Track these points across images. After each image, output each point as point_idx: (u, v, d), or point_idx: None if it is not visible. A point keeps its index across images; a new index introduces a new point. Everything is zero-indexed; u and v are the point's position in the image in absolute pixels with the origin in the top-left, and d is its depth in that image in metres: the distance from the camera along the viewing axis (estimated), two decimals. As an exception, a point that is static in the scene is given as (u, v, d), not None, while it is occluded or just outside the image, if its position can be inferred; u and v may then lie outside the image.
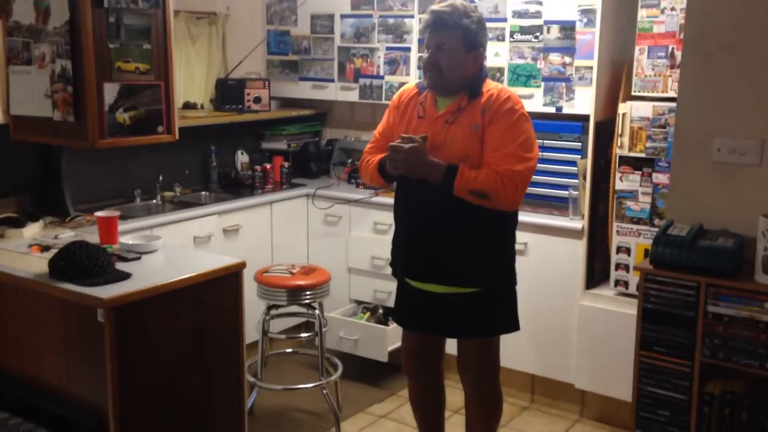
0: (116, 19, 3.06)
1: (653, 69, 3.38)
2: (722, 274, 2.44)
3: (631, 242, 3.50)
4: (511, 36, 3.82)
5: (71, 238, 3.03)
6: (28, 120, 3.28)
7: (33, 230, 3.22)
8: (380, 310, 4.25)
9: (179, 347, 2.66)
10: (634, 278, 3.45)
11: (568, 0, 3.65)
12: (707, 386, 2.52)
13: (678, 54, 3.25)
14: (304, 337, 4.03)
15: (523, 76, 3.82)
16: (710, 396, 2.50)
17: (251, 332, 3.55)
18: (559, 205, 3.80)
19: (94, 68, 3.03)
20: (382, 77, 4.39)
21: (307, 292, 3.58)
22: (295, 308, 3.72)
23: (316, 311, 3.65)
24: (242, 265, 2.86)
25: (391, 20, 4.32)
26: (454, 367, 3.02)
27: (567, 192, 3.73)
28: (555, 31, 3.71)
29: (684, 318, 2.50)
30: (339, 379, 3.80)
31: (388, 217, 4.10)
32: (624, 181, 3.48)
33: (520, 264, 2.93)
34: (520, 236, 3.21)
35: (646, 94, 3.42)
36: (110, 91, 3.09)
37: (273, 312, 3.67)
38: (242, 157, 4.61)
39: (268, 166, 4.56)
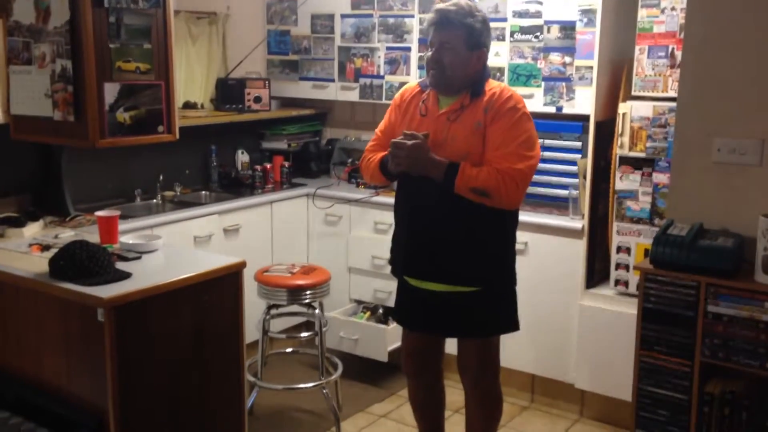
0: (116, 18, 3.07)
1: (653, 69, 3.38)
2: (722, 274, 2.44)
3: (631, 242, 3.50)
4: (512, 36, 3.82)
5: (71, 237, 3.03)
6: (28, 120, 3.29)
7: (33, 230, 3.22)
8: (380, 310, 4.25)
9: (179, 347, 2.66)
10: (634, 278, 3.45)
11: (568, 0, 3.65)
12: (707, 386, 2.52)
13: (678, 54, 3.25)
14: (304, 336, 4.03)
15: (523, 75, 3.82)
16: (710, 396, 2.50)
17: (251, 332, 3.55)
18: (559, 205, 3.80)
19: (95, 68, 3.03)
20: (382, 77, 4.39)
21: (308, 292, 3.58)
22: (295, 308, 3.72)
23: (316, 311, 3.65)
24: (242, 264, 2.86)
25: (391, 20, 4.32)
26: (453, 366, 3.02)
27: (567, 192, 3.73)
28: (555, 31, 3.71)
29: (684, 318, 2.50)
30: (339, 378, 3.80)
31: (388, 217, 4.10)
32: (624, 181, 3.48)
33: (520, 264, 2.93)
34: (520, 236, 3.21)
35: (646, 93, 3.42)
36: (110, 91, 3.09)
37: (273, 311, 3.67)
38: (242, 157, 4.61)
39: (268, 165, 4.56)
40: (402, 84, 4.25)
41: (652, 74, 3.38)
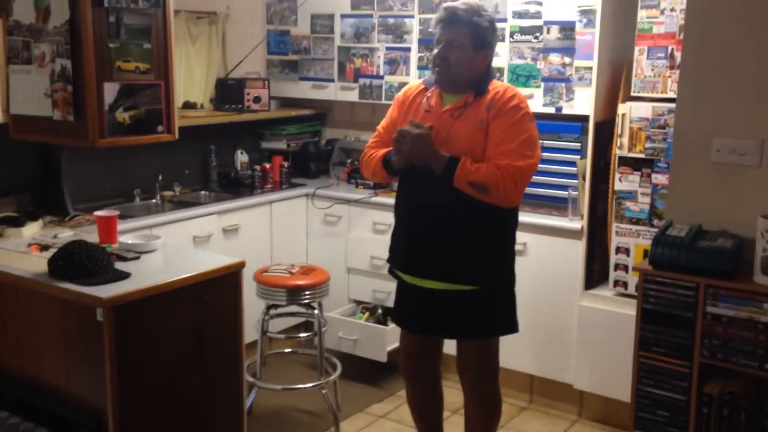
0: (116, 18, 3.07)
1: (653, 70, 3.38)
2: (721, 275, 2.44)
3: (631, 243, 3.50)
4: (511, 36, 3.82)
5: (70, 237, 3.03)
6: (27, 119, 3.29)
7: (32, 229, 3.22)
8: (379, 310, 4.25)
9: (178, 347, 2.66)
10: (633, 279, 3.45)
11: (568, 0, 3.65)
12: (706, 387, 2.52)
13: (677, 55, 3.25)
14: (304, 336, 4.03)
15: (522, 76, 3.82)
16: (709, 396, 2.50)
17: (250, 332, 3.55)
18: (558, 206, 3.80)
19: (94, 68, 3.03)
20: (381, 77, 4.39)
21: (307, 292, 3.58)
22: (294, 308, 3.72)
23: (316, 311, 3.65)
24: (241, 264, 2.86)
25: (391, 20, 4.32)
26: (452, 367, 3.02)
27: (566, 192, 3.73)
28: (555, 32, 3.71)
29: (683, 319, 2.50)
30: (338, 379, 3.80)
31: (387, 217, 4.10)
32: (623, 182, 3.48)
33: (520, 264, 2.93)
34: (520, 236, 3.21)
35: (645, 94, 3.42)
36: (110, 91, 3.09)
37: (272, 312, 3.67)
38: (242, 157, 4.61)
39: (267, 165, 4.56)
40: (401, 84, 4.27)
41: (651, 75, 3.39)
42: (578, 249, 3.63)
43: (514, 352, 3.68)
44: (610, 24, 3.58)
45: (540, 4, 3.74)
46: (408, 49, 4.28)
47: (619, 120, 3.45)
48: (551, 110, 3.76)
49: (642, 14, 3.37)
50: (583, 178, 3.62)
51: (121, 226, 3.27)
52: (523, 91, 3.72)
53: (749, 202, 2.60)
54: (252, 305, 3.51)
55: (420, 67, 4.22)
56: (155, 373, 2.59)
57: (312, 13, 4.62)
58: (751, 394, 2.47)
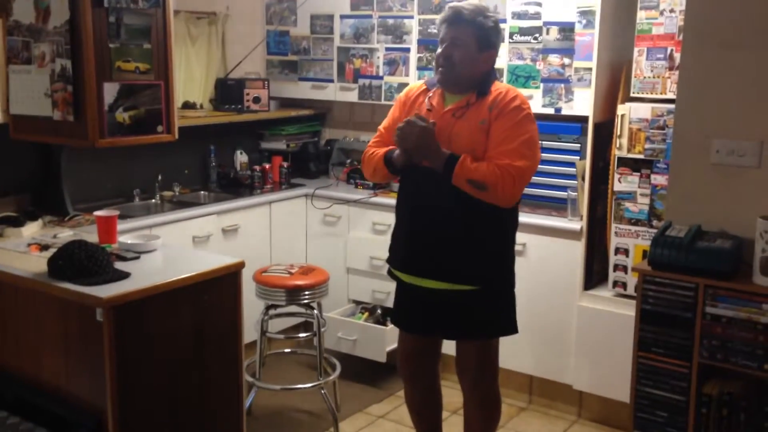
0: (116, 18, 3.07)
1: (652, 70, 3.38)
2: (720, 276, 2.44)
3: (630, 243, 3.51)
4: (511, 37, 3.82)
5: (70, 237, 3.03)
6: (27, 119, 3.29)
7: (32, 229, 3.22)
8: (379, 311, 4.25)
9: (178, 347, 2.66)
10: (632, 279, 3.45)
11: (567, 1, 3.65)
12: (705, 387, 2.52)
13: (677, 55, 3.25)
14: (303, 337, 4.03)
15: (522, 77, 3.82)
16: (708, 397, 2.50)
17: (250, 332, 3.56)
18: (557, 206, 3.80)
19: (94, 68, 3.03)
20: (381, 78, 4.40)
21: (306, 292, 3.58)
22: (293, 308, 3.72)
23: (315, 311, 3.65)
24: (241, 264, 2.86)
25: (390, 21, 4.32)
26: (451, 367, 3.02)
27: (566, 193, 3.73)
28: (554, 33, 3.71)
29: (682, 319, 2.50)
30: (337, 379, 3.80)
31: (386, 218, 4.11)
32: (622, 183, 3.48)
33: (519, 265, 2.93)
34: (519, 237, 3.20)
35: (644, 95, 3.42)
36: (110, 91, 3.09)
37: (272, 312, 3.67)
38: (241, 157, 4.61)
39: (267, 166, 4.56)
40: (401, 84, 4.28)
41: (650, 76, 3.39)
42: (577, 250, 3.63)
43: (513, 353, 3.68)
44: (610, 25, 3.58)
45: (539, 5, 3.74)
46: (407, 50, 4.28)
47: (618, 121, 3.45)
48: (550, 111, 3.76)
49: (641, 15, 3.37)
50: (583, 179, 3.62)
51: (121, 226, 3.27)
52: (523, 92, 3.72)
53: (748, 202, 2.61)
54: (251, 305, 3.52)
55: (419, 68, 4.23)
56: (155, 373, 2.59)
57: (311, 14, 4.63)
58: (751, 395, 2.47)
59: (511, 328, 2.86)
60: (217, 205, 4.07)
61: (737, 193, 2.65)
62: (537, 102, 3.76)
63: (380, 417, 3.81)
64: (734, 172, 2.66)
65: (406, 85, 4.21)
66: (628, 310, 3.23)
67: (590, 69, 3.60)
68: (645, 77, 3.40)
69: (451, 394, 3.56)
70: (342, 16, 4.50)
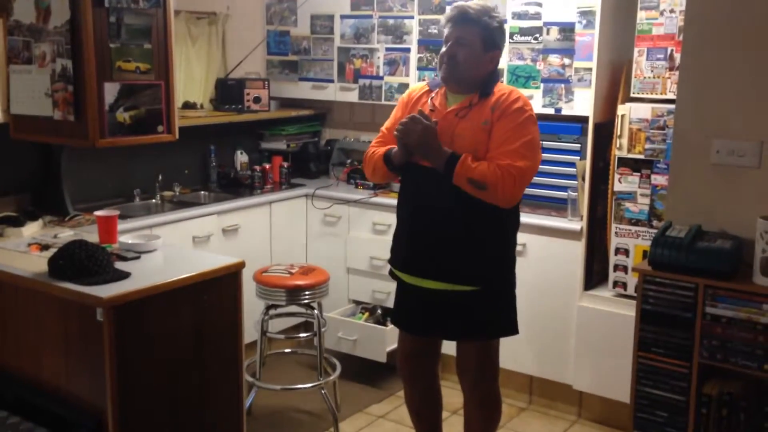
0: (117, 18, 3.07)
1: (652, 71, 3.38)
2: (720, 276, 2.44)
3: (630, 243, 3.51)
4: (511, 37, 3.82)
5: (70, 237, 3.03)
6: (28, 119, 3.29)
7: (32, 229, 3.22)
8: (379, 311, 4.25)
9: (178, 347, 2.67)
10: (632, 279, 3.45)
11: (567, 1, 3.65)
12: (705, 387, 2.52)
13: (677, 56, 3.25)
14: (303, 337, 4.04)
15: (522, 77, 3.82)
16: (708, 397, 2.50)
17: (250, 332, 3.56)
18: (557, 207, 3.80)
19: (95, 68, 3.03)
20: (381, 78, 4.40)
21: (306, 292, 3.59)
22: (293, 308, 3.72)
23: (315, 311, 3.65)
24: (241, 264, 2.86)
25: (390, 21, 4.32)
26: (451, 367, 3.02)
27: (566, 193, 3.73)
28: (554, 33, 3.71)
29: (682, 319, 2.50)
30: (337, 379, 3.80)
31: (387, 218, 4.11)
32: (623, 183, 3.49)
33: (519, 265, 2.93)
34: (519, 237, 3.20)
35: (645, 95, 3.42)
36: (110, 91, 3.09)
37: (272, 312, 3.67)
38: (241, 157, 4.62)
39: (267, 166, 4.56)
40: (401, 85, 4.28)
41: (650, 76, 3.39)
42: (578, 250, 3.63)
43: (513, 353, 3.68)
44: (610, 25, 3.58)
45: (540, 5, 3.74)
46: (408, 50, 4.28)
47: (618, 121, 3.45)
48: (551, 111, 3.76)
49: (641, 15, 3.38)
50: (583, 179, 3.62)
51: (121, 226, 3.27)
52: (523, 92, 3.73)
53: (748, 203, 2.61)
54: (251, 305, 3.52)
55: (420, 68, 4.23)
56: (155, 373, 2.59)
57: (312, 14, 4.63)
58: (750, 395, 2.47)
59: (512, 329, 2.86)
60: (217, 205, 4.07)
61: (737, 193, 2.65)
62: (537, 102, 3.75)
63: (380, 417, 3.81)
64: (734, 172, 2.66)
65: (406, 85, 4.22)
66: (628, 310, 3.23)
67: (590, 69, 3.60)
68: (645, 77, 3.40)
69: (451, 394, 3.56)
70: (342, 16, 4.51)
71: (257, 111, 4.60)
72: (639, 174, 3.44)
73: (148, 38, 3.18)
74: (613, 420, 3.66)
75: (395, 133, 2.69)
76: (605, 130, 3.60)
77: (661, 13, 3.33)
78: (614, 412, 3.62)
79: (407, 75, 4.29)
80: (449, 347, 3.00)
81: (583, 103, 3.65)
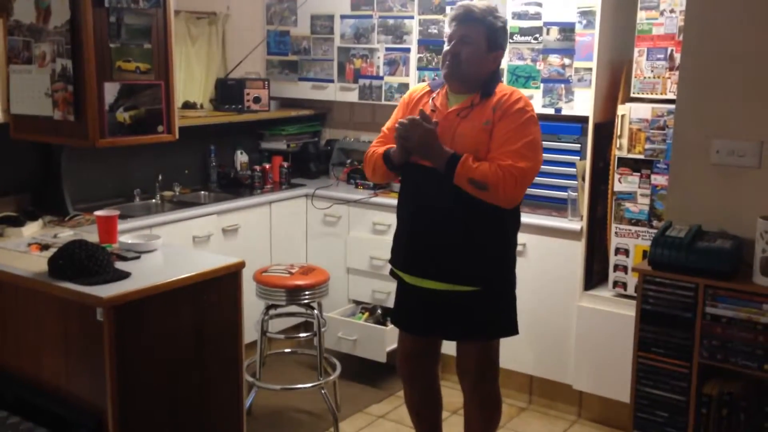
0: (117, 18, 3.07)
1: (652, 71, 3.38)
2: (720, 276, 2.44)
3: (630, 243, 3.51)
4: (511, 37, 3.81)
5: (70, 237, 3.03)
6: (28, 119, 3.29)
7: (32, 229, 3.22)
8: (379, 311, 4.25)
9: (178, 346, 2.67)
10: (632, 279, 3.46)
11: (567, 2, 3.65)
12: (705, 387, 2.52)
13: (677, 56, 3.25)
14: (303, 337, 4.03)
15: (522, 77, 3.82)
16: (708, 397, 2.50)
17: (250, 332, 3.56)
18: (557, 207, 3.81)
19: (95, 67, 3.03)
20: (381, 78, 4.40)
21: (306, 292, 3.59)
22: (293, 308, 3.72)
23: (315, 311, 3.65)
24: (241, 264, 2.86)
25: (390, 21, 4.32)
26: (451, 367, 3.02)
27: (566, 193, 3.73)
28: (554, 33, 3.71)
29: (682, 319, 2.50)
30: (337, 379, 3.80)
31: (386, 218, 4.11)
32: (623, 183, 3.49)
33: (519, 265, 2.93)
34: (519, 237, 3.21)
35: (645, 95, 3.42)
36: (110, 91, 3.09)
37: (272, 312, 3.67)
38: (241, 157, 4.62)
39: (267, 166, 4.56)
40: (401, 85, 4.28)
41: (651, 76, 3.39)
42: (577, 250, 3.63)
43: (513, 353, 3.68)
44: (610, 25, 3.58)
45: (540, 5, 3.74)
46: (408, 50, 4.28)
47: (618, 121, 3.45)
48: (551, 111, 3.76)
49: (641, 15, 3.38)
50: (583, 179, 3.62)
51: (121, 226, 3.27)
52: (523, 93, 3.74)
53: (748, 203, 2.61)
54: (251, 305, 3.52)
55: (420, 68, 4.23)
56: (155, 372, 2.59)
57: (312, 14, 4.63)
58: (750, 395, 2.47)
59: (512, 329, 2.86)
60: (217, 205, 4.07)
61: (737, 193, 2.65)
62: (537, 102, 3.75)
63: (380, 417, 3.81)
64: (734, 172, 2.66)
65: (406, 85, 4.23)
66: (628, 310, 3.23)
67: (590, 69, 3.60)
68: (645, 77, 3.40)
69: (451, 394, 3.56)
70: (342, 16, 4.51)
71: (257, 111, 4.60)
72: (639, 174, 3.44)
73: (148, 38, 3.18)
74: (613, 420, 3.66)
75: (395, 135, 2.69)
76: (605, 130, 3.60)
77: (661, 13, 3.33)
78: (614, 412, 3.62)
79: (407, 75, 4.29)
80: (449, 347, 3.00)
81: (583, 103, 3.65)
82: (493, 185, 2.58)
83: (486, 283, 2.74)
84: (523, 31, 3.80)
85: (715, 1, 2.66)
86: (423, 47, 4.20)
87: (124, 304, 2.46)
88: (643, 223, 3.47)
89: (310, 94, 4.74)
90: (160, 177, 4.19)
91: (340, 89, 4.58)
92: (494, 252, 2.75)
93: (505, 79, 3.84)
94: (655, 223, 3.42)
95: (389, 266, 2.97)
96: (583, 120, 3.66)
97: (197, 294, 2.70)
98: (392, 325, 3.91)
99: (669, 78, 3.34)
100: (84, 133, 3.09)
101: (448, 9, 4.05)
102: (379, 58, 4.39)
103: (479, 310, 2.76)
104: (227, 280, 2.81)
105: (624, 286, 3.55)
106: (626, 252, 3.52)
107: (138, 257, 2.86)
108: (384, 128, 2.95)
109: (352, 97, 4.54)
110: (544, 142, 3.69)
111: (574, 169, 3.70)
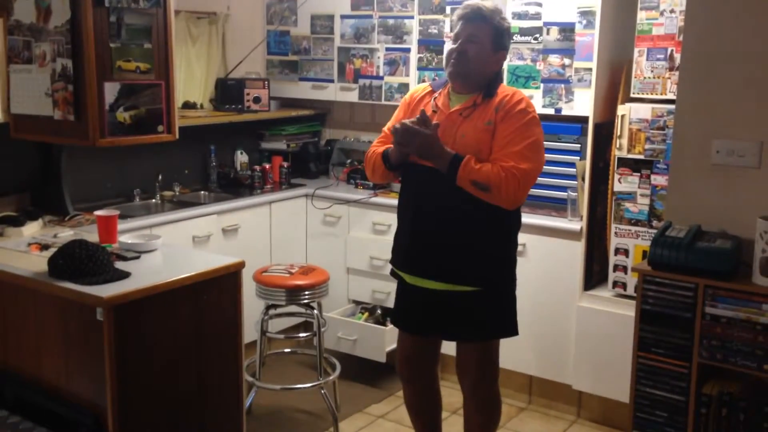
0: (117, 18, 3.07)
1: (652, 71, 3.38)
2: (720, 276, 2.44)
3: (630, 244, 3.51)
4: (511, 37, 3.82)
5: (70, 236, 3.03)
6: (28, 119, 3.29)
7: (32, 229, 3.22)
8: (379, 311, 4.26)
9: (178, 346, 2.67)
10: (632, 280, 3.46)
11: (567, 2, 3.65)
12: (704, 387, 2.52)
13: (677, 56, 3.25)
14: (303, 337, 4.03)
15: (522, 77, 3.82)
16: (707, 397, 2.51)
17: (250, 332, 3.55)
18: (557, 207, 3.81)
19: (95, 67, 3.03)
20: (381, 78, 4.40)
21: (306, 292, 3.59)
22: (293, 308, 3.73)
23: (315, 311, 3.65)
24: (241, 264, 2.86)
25: (390, 21, 4.32)
26: (450, 367, 3.02)
27: (566, 193, 3.73)
28: (554, 33, 3.71)
29: (682, 319, 2.51)
30: (337, 379, 3.80)
31: (386, 218, 4.11)
32: (622, 183, 3.49)
33: (519, 265, 2.93)
34: (519, 237, 3.21)
35: (645, 96, 3.43)
36: (111, 91, 3.09)
37: (272, 312, 3.67)
38: (241, 157, 4.62)
39: (267, 166, 4.56)
40: (401, 85, 4.28)
41: (651, 76, 3.39)
42: (577, 250, 3.63)
43: (513, 353, 3.68)
44: (610, 25, 3.58)
45: (540, 5, 3.74)
46: (408, 50, 4.28)
47: (618, 121, 3.45)
48: (551, 111, 3.76)
49: (641, 15, 3.38)
50: (583, 179, 3.62)
51: (121, 225, 3.27)
52: (523, 93, 3.74)
53: (748, 203, 2.61)
54: (251, 305, 3.52)
55: (420, 68, 4.23)
56: (155, 372, 2.59)
57: (312, 14, 4.63)
58: (750, 395, 2.47)
59: (512, 329, 2.86)
60: (217, 205, 4.07)
61: (737, 193, 2.66)
62: (537, 102, 3.75)
63: (380, 417, 3.81)
64: (734, 172, 2.66)
65: (406, 85, 4.23)
66: (628, 311, 3.23)
67: (590, 69, 3.60)
68: (645, 78, 3.40)
69: (451, 394, 3.57)
70: (342, 16, 4.51)
71: (257, 111, 4.60)
72: (639, 174, 3.45)
73: (148, 38, 3.18)
74: (613, 420, 3.66)
75: (393, 139, 2.69)
76: (605, 130, 3.61)
77: (661, 13, 3.33)
78: (614, 412, 3.62)
79: (407, 75, 4.29)
80: (449, 347, 3.00)
81: (583, 103, 3.65)
82: (496, 187, 2.58)
83: (486, 283, 2.74)
84: (523, 31, 3.80)
85: (715, 1, 2.66)
86: (423, 47, 4.20)
87: (124, 304, 2.46)
88: (642, 223, 3.47)
89: (310, 94, 4.75)
90: (160, 177, 4.19)
91: (340, 89, 4.58)
92: (495, 252, 2.75)
93: (504, 79, 3.84)
94: (654, 223, 3.42)
95: (389, 266, 2.97)
96: (583, 120, 3.66)
97: (197, 294, 2.70)
98: (392, 325, 3.93)
99: (669, 78, 3.34)
100: (84, 133, 3.09)
101: (448, 9, 4.05)
102: (379, 58, 4.39)
103: (479, 311, 2.76)
104: (227, 280, 2.81)
105: (624, 286, 3.55)
106: (626, 252, 3.52)
107: (138, 257, 2.86)
108: (385, 128, 2.95)
109: (352, 97, 4.54)
110: (544, 143, 3.73)
111: (574, 170, 3.70)
